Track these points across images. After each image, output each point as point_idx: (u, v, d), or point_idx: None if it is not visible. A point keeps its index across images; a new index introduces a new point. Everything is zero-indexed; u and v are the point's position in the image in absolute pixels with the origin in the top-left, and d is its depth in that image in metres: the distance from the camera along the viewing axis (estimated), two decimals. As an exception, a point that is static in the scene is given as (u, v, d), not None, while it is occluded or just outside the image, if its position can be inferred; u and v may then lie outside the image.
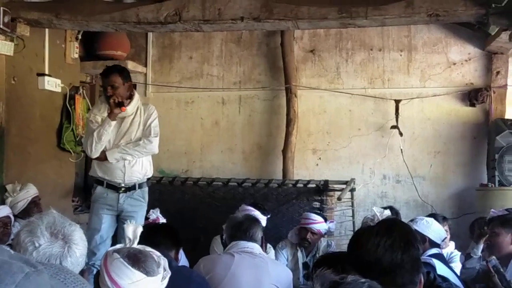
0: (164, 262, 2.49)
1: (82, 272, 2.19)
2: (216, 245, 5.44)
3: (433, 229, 4.18)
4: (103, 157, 5.02)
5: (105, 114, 5.01)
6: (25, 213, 5.11)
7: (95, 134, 4.96)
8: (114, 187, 5.04)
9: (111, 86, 4.97)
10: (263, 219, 5.21)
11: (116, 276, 2.36)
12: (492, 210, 4.70)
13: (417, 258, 2.10)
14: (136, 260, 2.40)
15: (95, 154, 5.00)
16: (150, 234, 3.25)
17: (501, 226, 4.22)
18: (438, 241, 4.14)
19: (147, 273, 2.39)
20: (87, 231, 4.87)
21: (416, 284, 2.06)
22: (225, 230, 4.32)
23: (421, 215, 5.17)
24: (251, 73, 7.83)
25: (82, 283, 0.92)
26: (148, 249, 2.51)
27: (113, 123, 5.00)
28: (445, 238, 4.29)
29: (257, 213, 5.24)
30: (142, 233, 2.63)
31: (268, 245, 4.96)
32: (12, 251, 0.78)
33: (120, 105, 5.00)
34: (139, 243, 2.57)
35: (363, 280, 1.30)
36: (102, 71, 5.30)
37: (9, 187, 5.45)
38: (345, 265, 2.05)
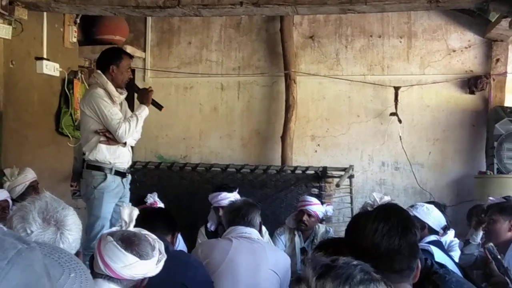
0: (159, 245, 2.49)
1: (77, 254, 2.18)
2: (199, 237, 5.47)
3: (433, 216, 4.18)
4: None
5: (121, 97, 5.00)
6: (23, 197, 5.07)
7: (139, 119, 4.92)
8: (120, 173, 5.00)
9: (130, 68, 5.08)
10: (233, 196, 5.23)
11: (109, 259, 2.36)
12: (490, 197, 4.72)
13: (415, 243, 2.09)
14: (130, 243, 2.39)
15: (128, 138, 4.92)
16: (147, 218, 3.25)
17: (499, 213, 4.23)
18: (438, 228, 4.14)
19: (141, 256, 2.38)
20: (96, 221, 4.85)
21: (413, 270, 2.06)
22: (223, 216, 4.33)
23: (420, 202, 5.18)
24: (250, 59, 7.81)
25: (77, 263, 0.91)
26: (144, 232, 2.50)
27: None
28: (445, 226, 4.28)
29: (223, 195, 5.30)
30: (139, 217, 2.63)
31: (264, 229, 4.97)
32: (5, 228, 0.77)
33: (159, 106, 5.17)
34: (136, 227, 2.56)
35: (355, 262, 1.29)
36: (122, 50, 5.40)
37: (7, 171, 5.44)
38: (342, 250, 2.04)
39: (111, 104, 4.88)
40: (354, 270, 1.22)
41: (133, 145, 5.16)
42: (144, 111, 5.00)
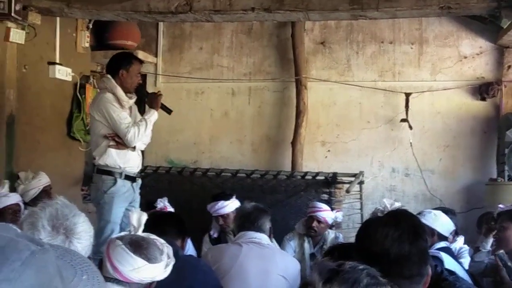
0: (168, 249, 2.49)
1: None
2: (204, 244, 5.48)
3: (441, 222, 4.17)
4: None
5: (130, 101, 5.00)
6: (35, 202, 5.08)
7: (148, 123, 4.92)
8: (130, 177, 4.99)
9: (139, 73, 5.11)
10: (231, 203, 5.29)
11: (117, 263, 2.37)
12: (500, 205, 4.70)
13: (425, 250, 2.09)
14: (138, 247, 2.40)
15: (137, 142, 4.92)
16: (157, 222, 3.26)
17: (510, 221, 4.20)
18: (447, 234, 4.13)
19: (149, 260, 2.39)
20: (106, 225, 4.85)
21: (424, 276, 2.06)
22: (233, 221, 4.34)
23: (429, 209, 5.16)
24: (261, 65, 7.82)
25: (89, 265, 0.92)
26: (152, 236, 2.51)
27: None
28: (453, 231, 4.27)
29: (220, 203, 5.32)
30: (149, 221, 2.64)
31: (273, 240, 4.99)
32: (19, 230, 0.78)
33: (168, 110, 5.15)
34: (145, 231, 2.57)
35: (361, 267, 1.29)
36: (132, 55, 5.39)
37: (21, 174, 5.47)
38: (351, 255, 2.04)
39: (120, 109, 4.88)
40: (360, 275, 1.22)
41: (143, 149, 5.16)
42: (153, 115, 5.00)
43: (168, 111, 5.18)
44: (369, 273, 1.25)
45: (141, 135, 4.89)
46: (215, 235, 5.49)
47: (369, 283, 1.20)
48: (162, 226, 3.30)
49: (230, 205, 5.30)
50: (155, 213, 4.29)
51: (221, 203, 5.34)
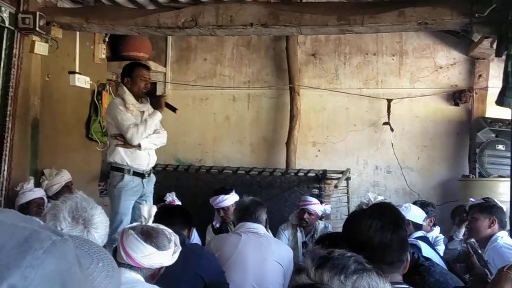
0: (175, 238, 2.50)
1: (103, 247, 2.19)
2: (208, 234, 5.48)
3: (413, 213, 4.21)
4: (136, 145, 4.93)
5: (137, 105, 4.96)
6: (58, 196, 5.09)
7: (148, 123, 4.88)
8: (140, 174, 4.96)
9: (149, 78, 5.08)
10: (231, 196, 5.31)
11: (130, 250, 2.37)
12: (471, 198, 4.71)
13: (404, 238, 2.09)
14: (149, 236, 2.41)
15: (138, 141, 4.86)
16: (166, 214, 3.26)
17: (480, 213, 4.22)
18: (420, 221, 4.14)
19: (158, 247, 2.39)
20: (115, 216, 4.86)
21: (403, 262, 2.06)
22: (233, 213, 4.35)
23: (409, 202, 5.17)
24: (259, 74, 7.81)
25: (105, 254, 0.92)
26: (161, 227, 2.52)
27: (161, 117, 5.01)
28: (426, 218, 4.29)
29: (221, 197, 5.33)
30: (159, 213, 2.64)
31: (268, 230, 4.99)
32: (42, 222, 0.78)
33: (173, 109, 5.09)
34: (156, 222, 2.57)
35: (349, 254, 1.29)
36: (136, 63, 5.38)
37: (46, 171, 5.46)
38: (339, 243, 2.04)
39: (124, 111, 4.87)
40: (348, 261, 1.22)
41: (152, 149, 5.10)
42: (154, 116, 4.95)
43: (173, 109, 5.11)
44: (357, 260, 1.25)
45: (140, 134, 4.83)
46: (218, 226, 5.48)
47: (357, 268, 1.20)
48: (171, 217, 3.30)
49: (230, 199, 5.30)
50: (165, 206, 4.29)
51: (222, 197, 5.34)
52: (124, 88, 4.93)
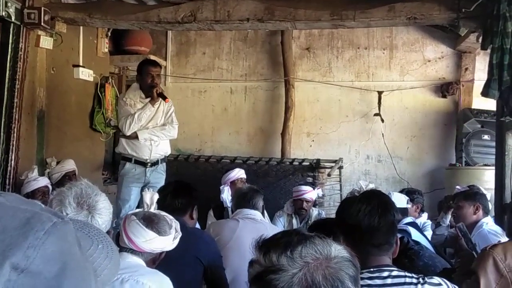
0: (176, 224, 2.50)
1: (107, 233, 2.19)
2: (209, 218, 5.46)
3: (395, 199, 4.20)
4: (133, 136, 5.02)
5: (138, 99, 5.03)
6: (59, 185, 5.07)
7: (136, 115, 4.97)
8: (142, 163, 5.05)
9: (158, 75, 5.14)
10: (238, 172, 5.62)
11: (132, 235, 2.37)
12: (457, 186, 4.72)
13: (392, 223, 2.10)
14: (150, 221, 2.41)
15: (130, 132, 4.99)
16: (177, 189, 3.37)
17: (464, 200, 4.24)
18: (404, 205, 4.13)
19: (159, 233, 2.39)
20: (118, 201, 4.93)
21: (392, 246, 2.07)
22: (232, 200, 4.35)
23: (399, 190, 5.18)
24: (255, 67, 7.80)
25: (104, 236, 0.92)
26: (163, 213, 2.52)
27: (153, 108, 5.06)
28: (408, 199, 4.29)
29: (227, 173, 5.60)
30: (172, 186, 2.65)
31: (265, 213, 4.97)
32: (43, 205, 0.78)
33: (163, 97, 5.11)
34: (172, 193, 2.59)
35: (290, 231, 1.25)
36: (145, 60, 5.48)
37: (48, 160, 5.46)
38: (332, 229, 2.05)
39: (123, 105, 5.08)
40: (290, 236, 1.19)
41: (155, 140, 5.12)
42: (145, 108, 5.03)
43: (164, 97, 5.15)
44: (297, 232, 1.22)
45: (128, 125, 4.97)
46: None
47: (299, 239, 1.16)
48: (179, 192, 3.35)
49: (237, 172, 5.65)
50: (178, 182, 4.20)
51: (228, 172, 5.67)
52: (134, 85, 5.13)
